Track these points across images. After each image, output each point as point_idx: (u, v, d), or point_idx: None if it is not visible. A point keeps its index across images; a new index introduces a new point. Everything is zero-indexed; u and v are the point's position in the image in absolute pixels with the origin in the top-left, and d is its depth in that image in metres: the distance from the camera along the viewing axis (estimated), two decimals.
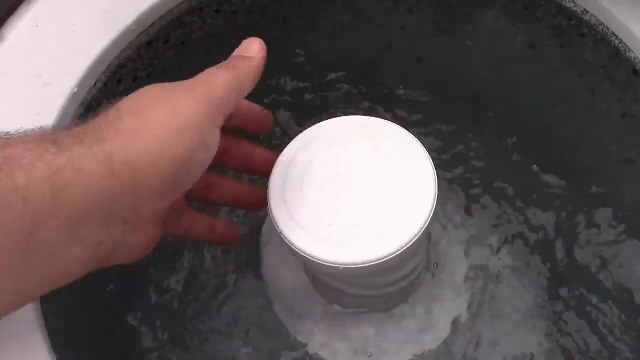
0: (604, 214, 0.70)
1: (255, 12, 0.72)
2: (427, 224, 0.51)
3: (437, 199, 0.52)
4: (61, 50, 0.56)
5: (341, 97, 0.81)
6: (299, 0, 0.72)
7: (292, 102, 0.80)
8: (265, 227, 0.77)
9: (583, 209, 0.71)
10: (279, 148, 0.55)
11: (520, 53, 0.70)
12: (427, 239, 0.70)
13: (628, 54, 0.57)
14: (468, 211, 0.78)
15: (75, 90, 0.56)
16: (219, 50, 0.72)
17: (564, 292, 0.72)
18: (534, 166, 0.75)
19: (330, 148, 0.54)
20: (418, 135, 0.54)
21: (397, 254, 0.50)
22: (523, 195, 0.77)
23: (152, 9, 0.63)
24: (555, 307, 0.72)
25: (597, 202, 0.71)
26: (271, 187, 0.53)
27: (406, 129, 0.55)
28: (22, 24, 0.56)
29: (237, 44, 0.72)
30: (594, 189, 0.71)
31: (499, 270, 0.75)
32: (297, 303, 0.73)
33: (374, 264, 0.50)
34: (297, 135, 0.55)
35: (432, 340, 0.72)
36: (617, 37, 0.58)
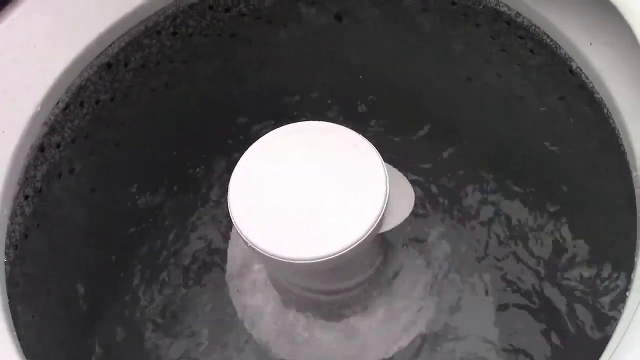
0: None
1: (211, 34, 0.75)
2: (378, 220, 0.54)
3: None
4: (25, 67, 0.58)
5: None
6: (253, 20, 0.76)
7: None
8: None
9: None
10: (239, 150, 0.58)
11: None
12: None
13: (559, 51, 0.61)
14: None
15: (39, 109, 0.58)
16: (178, 74, 0.77)
17: None
18: None
19: (287, 152, 0.57)
20: None
21: (349, 249, 0.53)
22: None
23: (110, 30, 0.65)
24: None
25: None
26: (231, 190, 0.55)
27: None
28: None
29: (197, 67, 0.76)
30: None
31: None
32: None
33: (328, 259, 0.53)
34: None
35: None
36: (548, 36, 0.62)
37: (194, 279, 0.82)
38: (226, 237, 0.82)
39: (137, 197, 0.82)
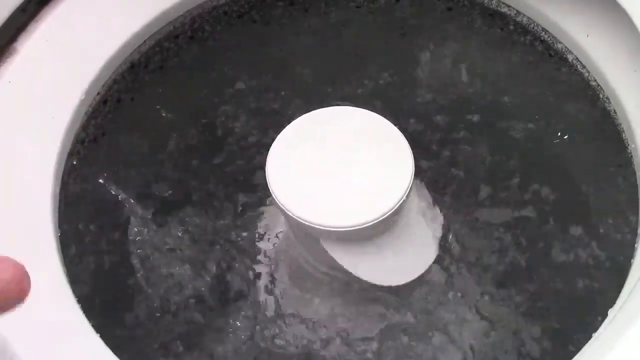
0: None
1: (226, 39, 0.80)
2: (406, 192, 0.59)
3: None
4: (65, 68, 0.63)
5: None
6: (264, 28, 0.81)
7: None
8: None
9: None
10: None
11: None
12: None
13: (556, 45, 0.68)
14: None
15: (83, 97, 0.62)
16: (192, 74, 0.81)
17: None
18: None
19: (318, 134, 0.61)
20: None
21: (376, 220, 0.58)
22: None
23: (136, 36, 0.69)
24: None
25: None
26: (268, 167, 0.59)
27: None
28: (31, 40, 0.61)
29: (210, 68, 0.81)
30: None
31: None
32: None
33: (365, 226, 0.57)
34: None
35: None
36: (546, 31, 0.68)
37: None
38: None
39: None
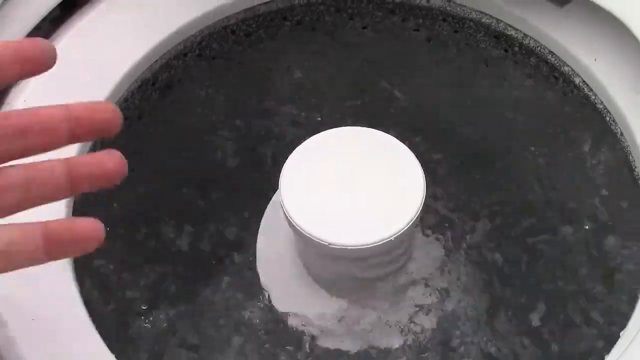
0: None
1: (233, 58, 0.80)
2: (418, 213, 0.59)
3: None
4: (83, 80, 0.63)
5: None
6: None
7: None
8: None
9: None
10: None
11: None
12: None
13: (563, 68, 0.69)
14: None
15: None
16: (198, 93, 0.81)
17: None
18: None
19: (331, 153, 0.62)
20: None
21: (394, 237, 0.58)
22: None
23: (146, 57, 0.70)
24: None
25: None
26: (282, 186, 0.60)
27: None
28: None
29: (217, 87, 0.81)
30: None
31: None
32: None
33: (376, 245, 0.58)
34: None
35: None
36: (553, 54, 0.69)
37: None
38: None
39: None
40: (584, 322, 0.71)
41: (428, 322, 0.76)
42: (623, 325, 0.55)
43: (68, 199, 0.59)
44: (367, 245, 0.58)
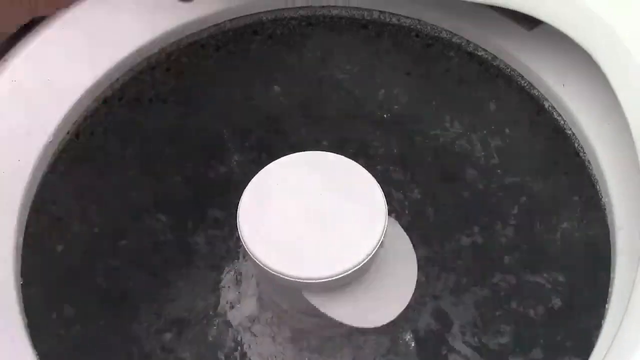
0: None
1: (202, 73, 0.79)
2: (380, 240, 0.58)
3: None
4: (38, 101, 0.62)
5: None
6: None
7: None
8: None
9: None
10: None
11: None
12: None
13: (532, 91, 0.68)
14: None
15: (51, 139, 0.61)
16: (167, 108, 0.80)
17: None
18: None
19: (290, 179, 0.61)
20: None
21: (357, 267, 0.57)
22: None
23: (115, 68, 0.68)
24: None
25: None
26: (240, 214, 0.59)
27: None
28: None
29: (186, 104, 0.80)
30: None
31: None
32: None
33: (334, 279, 0.57)
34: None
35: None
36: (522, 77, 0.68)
37: None
38: None
39: None
40: None
41: None
42: None
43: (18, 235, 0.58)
44: (331, 277, 0.56)
